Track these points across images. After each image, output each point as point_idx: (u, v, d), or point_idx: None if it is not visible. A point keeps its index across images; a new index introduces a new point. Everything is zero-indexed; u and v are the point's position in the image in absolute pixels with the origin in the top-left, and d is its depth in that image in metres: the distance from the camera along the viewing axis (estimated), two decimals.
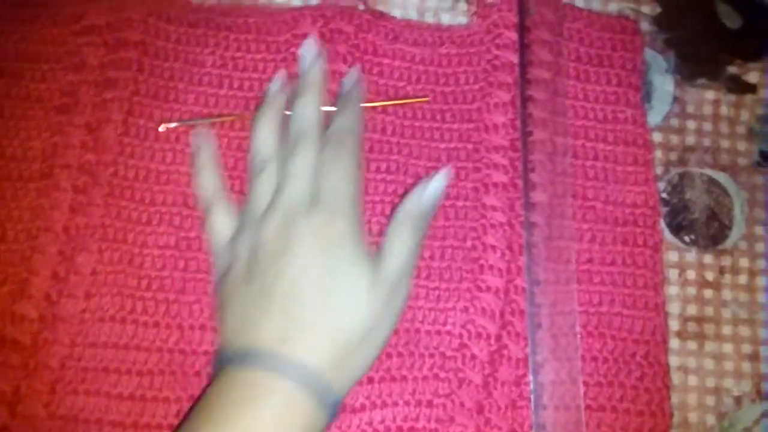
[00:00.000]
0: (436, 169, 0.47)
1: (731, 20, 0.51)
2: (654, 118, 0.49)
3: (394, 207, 0.46)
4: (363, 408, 0.43)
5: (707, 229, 0.48)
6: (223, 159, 0.46)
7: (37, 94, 0.47)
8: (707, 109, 0.49)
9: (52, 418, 0.42)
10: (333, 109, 0.44)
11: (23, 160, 0.46)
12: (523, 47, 0.48)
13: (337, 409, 0.37)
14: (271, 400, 0.34)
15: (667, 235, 0.47)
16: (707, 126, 0.49)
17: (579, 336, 0.45)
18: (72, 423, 0.43)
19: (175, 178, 0.46)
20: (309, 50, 0.45)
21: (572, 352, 0.45)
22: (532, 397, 0.44)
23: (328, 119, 0.43)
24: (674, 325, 0.46)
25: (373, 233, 0.46)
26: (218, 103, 0.47)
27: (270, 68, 0.48)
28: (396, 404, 0.44)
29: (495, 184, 0.47)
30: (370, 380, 0.44)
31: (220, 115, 0.47)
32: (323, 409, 0.36)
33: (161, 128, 0.46)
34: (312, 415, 0.35)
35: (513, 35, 0.48)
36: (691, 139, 0.49)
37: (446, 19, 0.51)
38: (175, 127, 0.47)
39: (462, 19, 0.50)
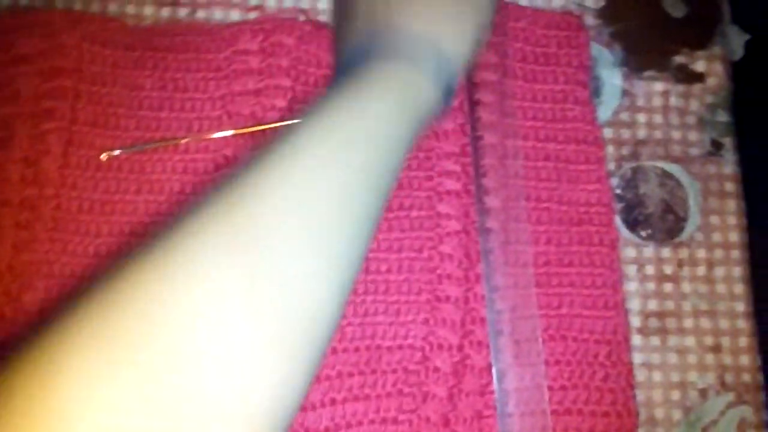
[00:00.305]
0: None
1: (676, 9, 0.51)
2: (604, 113, 0.49)
3: None
4: (327, 431, 0.43)
5: (663, 222, 0.47)
6: (168, 184, 0.45)
7: None
8: (657, 101, 0.49)
9: None
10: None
11: None
12: None
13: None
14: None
15: (624, 231, 0.47)
16: (658, 118, 0.49)
17: (541, 340, 0.45)
18: None
19: (121, 207, 0.45)
20: None
21: (535, 357, 0.44)
22: (497, 405, 0.43)
23: None
24: (636, 321, 0.46)
25: None
26: (160, 126, 0.46)
27: (211, 86, 0.47)
28: (360, 424, 0.43)
29: (448, 192, 0.46)
30: (333, 402, 0.43)
31: (164, 139, 0.46)
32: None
33: (103, 157, 0.45)
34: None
35: None
36: (642, 133, 0.49)
37: None
38: (118, 155, 0.45)
39: None
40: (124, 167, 0.45)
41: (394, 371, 0.44)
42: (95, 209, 0.45)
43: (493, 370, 0.44)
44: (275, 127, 0.45)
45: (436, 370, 0.44)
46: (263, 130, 0.45)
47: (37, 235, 0.44)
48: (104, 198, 0.45)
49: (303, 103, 0.47)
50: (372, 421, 0.43)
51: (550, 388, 0.44)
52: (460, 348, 0.44)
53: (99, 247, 0.44)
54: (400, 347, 0.44)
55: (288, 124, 0.30)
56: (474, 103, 0.47)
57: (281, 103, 0.46)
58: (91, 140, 0.46)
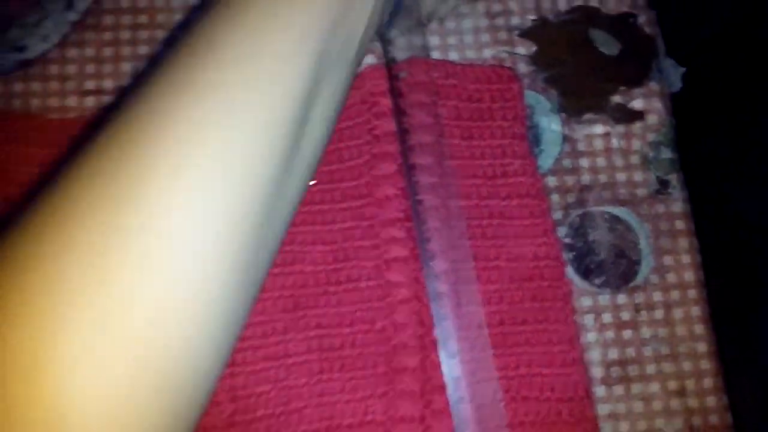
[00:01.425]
0: (334, 252, 0.46)
1: (609, 47, 0.50)
2: (545, 161, 0.48)
3: (296, 301, 0.45)
4: None
5: (616, 268, 0.47)
6: None
7: None
8: (598, 144, 0.49)
9: None
10: None
11: None
12: (400, 113, 0.46)
13: None
14: None
15: (577, 280, 0.46)
16: (601, 161, 0.48)
17: (503, 403, 0.44)
18: None
19: None
20: None
21: (498, 420, 0.44)
22: None
23: None
24: (597, 372, 0.45)
25: (277, 332, 0.44)
26: None
27: None
28: None
29: (395, 259, 0.45)
30: None
31: None
32: None
33: None
34: None
35: (387, 102, 0.47)
36: (586, 178, 0.48)
37: None
38: None
39: None
40: None
41: None
42: None
43: None
44: None
45: None
46: None
47: None
48: None
49: None
50: None
51: None
52: (422, 419, 0.43)
53: None
54: (361, 424, 0.43)
55: None
56: (411, 167, 0.46)
57: None
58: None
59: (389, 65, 0.47)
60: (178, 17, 0.49)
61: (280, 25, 0.27)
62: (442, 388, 0.44)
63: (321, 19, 0.28)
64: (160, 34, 0.48)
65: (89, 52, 0.48)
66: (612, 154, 0.48)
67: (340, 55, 0.29)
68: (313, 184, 0.46)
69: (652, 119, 0.49)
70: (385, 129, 0.47)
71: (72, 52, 0.48)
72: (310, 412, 0.43)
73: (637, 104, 0.49)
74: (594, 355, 0.46)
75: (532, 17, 0.50)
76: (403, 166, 0.46)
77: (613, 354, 0.46)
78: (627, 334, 0.46)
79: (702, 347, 0.46)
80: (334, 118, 0.31)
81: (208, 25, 0.27)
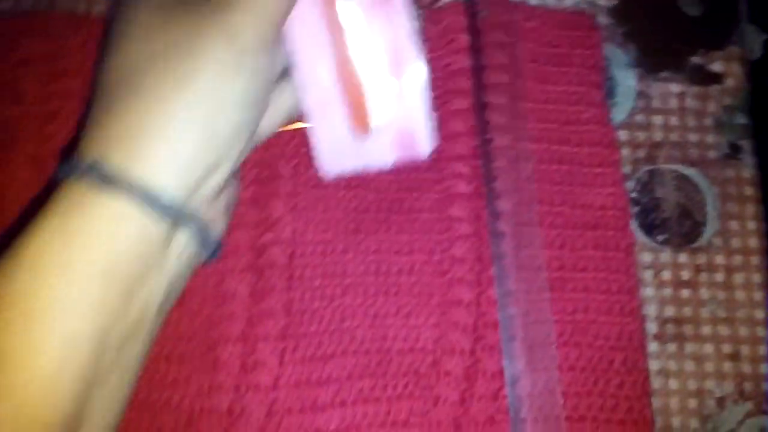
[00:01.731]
0: (398, 181, 0.46)
1: (692, 8, 0.50)
2: (619, 114, 0.48)
3: (358, 225, 0.45)
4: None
5: (680, 227, 0.46)
6: None
7: None
8: (673, 103, 0.48)
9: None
10: None
11: None
12: (477, 51, 0.46)
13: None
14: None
15: (640, 235, 0.46)
16: (674, 120, 0.48)
17: (555, 346, 0.44)
18: None
19: None
20: None
21: (549, 362, 0.43)
22: (510, 410, 0.42)
23: None
24: (652, 327, 0.45)
25: (337, 251, 0.44)
26: None
27: None
28: (370, 426, 0.42)
29: (459, 195, 0.45)
30: (343, 403, 0.42)
31: None
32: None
33: None
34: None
35: (466, 39, 0.47)
36: (658, 135, 0.48)
37: None
38: None
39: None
40: None
41: (405, 374, 0.43)
42: None
43: (506, 375, 0.43)
44: None
45: (447, 373, 0.43)
46: None
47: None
48: None
49: None
50: (382, 424, 0.42)
51: (564, 394, 0.43)
52: (472, 352, 0.43)
53: None
54: (411, 350, 0.43)
55: None
56: (483, 106, 0.46)
57: None
58: None
59: (469, 2, 0.47)
60: None
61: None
62: (495, 324, 0.44)
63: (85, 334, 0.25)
64: None
65: None
66: (686, 114, 0.48)
67: (127, 340, 0.26)
68: None
69: (729, 83, 0.48)
70: (461, 65, 0.47)
71: None
72: (362, 333, 0.43)
73: (716, 67, 0.49)
74: (650, 310, 0.45)
75: None
76: (475, 103, 0.46)
77: (669, 311, 0.45)
78: (685, 293, 0.46)
79: (760, 314, 0.45)
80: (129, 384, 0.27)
81: None
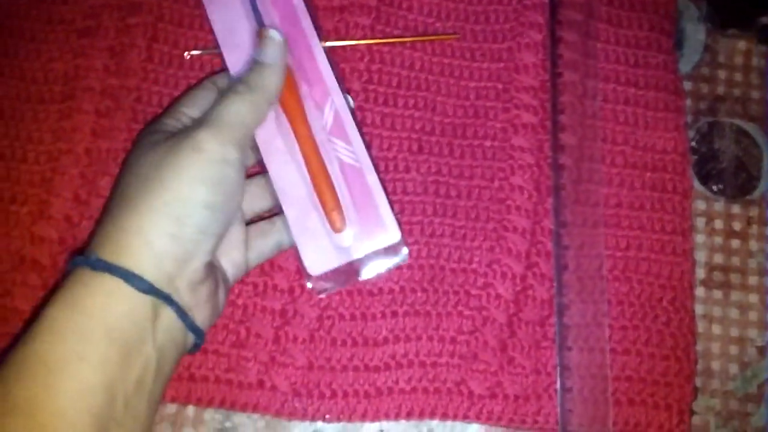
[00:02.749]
0: (464, 107, 0.46)
1: None
2: (684, 66, 0.48)
3: (421, 145, 0.45)
4: (386, 341, 0.43)
5: (735, 179, 0.47)
6: None
7: (59, 17, 0.46)
8: (738, 60, 0.49)
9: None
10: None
11: (44, 83, 0.45)
12: None
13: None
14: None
15: (695, 184, 0.47)
16: (738, 76, 0.49)
17: (605, 279, 0.44)
18: None
19: None
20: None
21: (598, 294, 0.44)
22: (556, 338, 0.43)
23: None
24: (700, 273, 0.46)
25: (399, 169, 0.45)
26: None
27: None
28: (419, 338, 0.43)
29: (524, 125, 0.46)
30: (394, 314, 0.43)
31: None
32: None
33: (186, 55, 0.45)
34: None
35: None
36: (721, 89, 0.48)
37: None
38: (200, 55, 0.46)
39: None
40: (205, 67, 0.46)
41: (456, 292, 0.44)
42: None
43: (555, 303, 0.44)
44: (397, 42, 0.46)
45: (498, 296, 0.44)
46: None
47: (116, 124, 0.44)
48: None
49: (386, 24, 0.47)
50: (430, 338, 0.43)
51: (611, 327, 0.44)
52: (524, 278, 0.44)
53: None
54: (464, 270, 0.44)
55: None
56: (556, 40, 0.46)
57: (365, 21, 0.46)
58: (175, 38, 0.46)
59: None
60: None
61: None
62: (548, 254, 0.45)
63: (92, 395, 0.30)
64: None
65: None
66: (750, 71, 0.49)
67: (132, 393, 0.32)
68: (455, 38, 0.47)
69: None
70: (537, 0, 0.47)
71: None
72: (417, 249, 0.44)
73: None
74: (699, 256, 0.46)
75: None
76: (547, 37, 0.47)
77: (718, 259, 0.46)
78: (735, 243, 0.46)
79: None
80: None
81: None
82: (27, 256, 0.42)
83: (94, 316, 0.31)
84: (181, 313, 0.34)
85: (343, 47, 0.46)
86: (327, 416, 0.42)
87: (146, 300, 0.32)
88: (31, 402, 0.29)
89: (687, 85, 0.48)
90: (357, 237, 0.40)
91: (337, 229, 0.39)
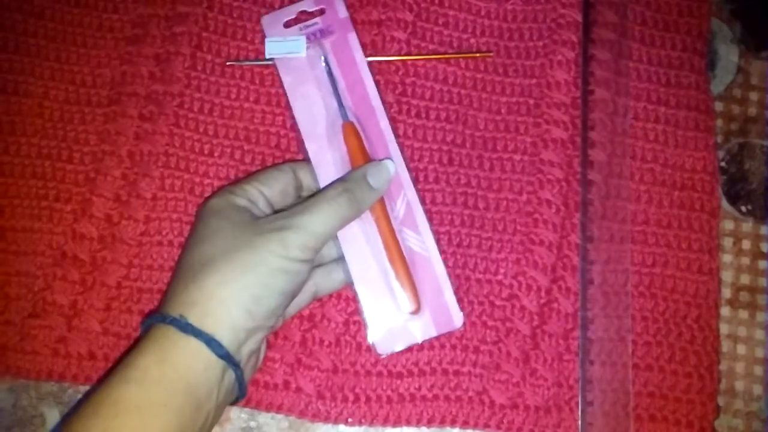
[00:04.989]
0: (495, 122, 0.47)
1: None
2: (716, 87, 0.49)
3: (451, 157, 0.46)
4: (410, 349, 0.43)
5: (765, 200, 0.47)
6: (284, 98, 0.46)
7: (109, 25, 0.48)
8: None
9: (106, 334, 0.43)
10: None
11: (92, 87, 0.47)
12: (588, 6, 0.48)
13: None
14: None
15: (724, 203, 0.47)
16: None
17: (630, 295, 0.45)
18: (125, 340, 0.44)
19: (239, 113, 0.47)
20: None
21: (623, 310, 0.45)
22: (579, 351, 0.44)
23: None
24: (726, 293, 0.46)
25: (429, 180, 0.46)
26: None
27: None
28: (443, 347, 0.44)
29: (554, 140, 0.47)
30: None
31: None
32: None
33: (228, 64, 0.47)
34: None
35: None
36: (753, 111, 0.49)
37: None
38: (241, 65, 0.47)
39: None
40: (246, 77, 0.47)
41: (481, 303, 0.45)
42: (215, 112, 0.47)
43: (579, 317, 0.44)
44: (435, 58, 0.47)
45: (522, 308, 0.44)
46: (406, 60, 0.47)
47: (159, 128, 0.46)
48: (225, 102, 0.47)
49: (422, 39, 0.48)
50: (454, 347, 0.44)
51: (635, 342, 0.44)
52: (549, 291, 0.45)
53: (214, 147, 0.46)
54: (489, 282, 0.45)
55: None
56: (589, 58, 0.47)
57: (401, 35, 0.48)
58: (218, 48, 0.48)
59: None
60: None
61: None
62: (574, 268, 0.45)
63: None
64: None
65: None
66: None
67: None
68: (490, 55, 0.48)
69: None
70: (570, 18, 0.48)
71: None
72: (444, 258, 0.45)
73: None
74: (726, 276, 0.46)
75: None
76: (580, 55, 0.48)
77: (745, 280, 0.46)
78: (762, 264, 0.46)
79: None
80: None
81: None
82: (68, 252, 0.44)
83: (179, 371, 0.34)
84: (240, 375, 0.37)
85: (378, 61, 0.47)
86: (349, 420, 0.43)
87: (219, 363, 0.35)
88: None
89: (718, 106, 0.49)
90: (424, 322, 0.42)
91: (414, 308, 0.42)
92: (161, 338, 0.35)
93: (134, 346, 0.36)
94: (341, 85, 0.44)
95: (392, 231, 0.42)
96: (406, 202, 0.43)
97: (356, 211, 0.40)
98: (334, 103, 0.44)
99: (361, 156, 0.43)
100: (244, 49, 0.48)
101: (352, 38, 0.45)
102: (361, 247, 0.42)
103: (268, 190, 0.41)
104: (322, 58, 0.45)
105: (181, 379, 0.34)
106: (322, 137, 0.43)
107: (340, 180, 0.41)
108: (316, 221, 0.38)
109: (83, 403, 0.34)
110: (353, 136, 0.43)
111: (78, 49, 0.48)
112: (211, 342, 0.35)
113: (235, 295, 0.36)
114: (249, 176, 0.42)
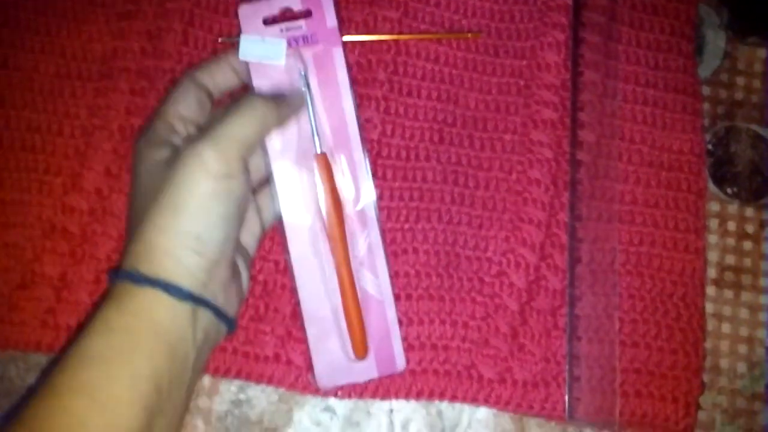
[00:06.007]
0: (486, 101, 0.48)
1: None
2: (704, 71, 0.49)
3: (442, 135, 0.47)
4: (399, 323, 0.43)
5: (750, 183, 0.48)
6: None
7: (101, 0, 0.48)
8: (757, 67, 0.50)
9: (95, 306, 0.43)
10: None
11: (83, 61, 0.47)
12: None
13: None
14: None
15: (710, 185, 0.48)
16: (756, 83, 0.50)
17: (618, 273, 0.45)
18: None
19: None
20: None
21: (610, 288, 0.45)
22: (567, 327, 0.44)
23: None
24: (712, 273, 0.47)
25: (420, 158, 0.46)
26: None
27: None
28: (432, 322, 0.44)
29: (544, 121, 0.47)
30: (408, 297, 0.44)
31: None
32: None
33: (220, 41, 0.47)
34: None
35: None
36: (739, 95, 0.49)
37: None
38: (233, 42, 0.47)
39: None
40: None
41: (470, 279, 0.45)
42: None
43: (567, 294, 0.45)
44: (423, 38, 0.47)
45: (511, 285, 0.45)
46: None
47: (150, 103, 0.46)
48: None
49: (414, 18, 0.48)
50: (443, 321, 0.44)
51: (621, 320, 0.45)
52: (537, 268, 0.45)
53: None
54: (479, 258, 0.45)
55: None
56: (579, 41, 0.48)
57: (393, 14, 0.48)
58: (210, 24, 0.48)
59: None
60: None
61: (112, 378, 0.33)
62: (562, 247, 0.46)
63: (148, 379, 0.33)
64: None
65: None
66: None
67: (173, 385, 0.35)
68: (479, 35, 0.48)
69: None
70: (561, 1, 0.49)
71: None
72: (434, 235, 0.45)
73: None
74: (711, 256, 0.47)
75: None
76: (570, 38, 0.48)
77: (730, 260, 0.47)
78: (747, 245, 0.47)
79: None
80: (178, 422, 0.36)
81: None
82: (58, 224, 0.44)
83: (142, 317, 0.34)
84: (217, 312, 0.37)
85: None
86: (339, 393, 0.43)
87: (185, 305, 0.35)
88: (93, 386, 0.32)
89: (706, 90, 0.49)
90: (368, 364, 0.42)
91: (360, 357, 0.42)
92: (120, 293, 0.35)
93: (96, 305, 0.36)
94: (319, 108, 0.42)
95: (350, 275, 0.41)
96: (368, 244, 0.42)
97: (275, 114, 0.38)
98: (308, 127, 0.41)
99: (332, 191, 0.41)
100: (236, 26, 0.48)
101: (338, 54, 0.42)
102: (315, 285, 0.41)
103: (183, 109, 0.39)
104: (302, 73, 0.42)
105: (144, 325, 0.34)
106: (291, 158, 0.41)
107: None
108: (231, 128, 0.36)
109: (53, 366, 0.34)
110: (327, 170, 0.41)
111: (69, 23, 0.47)
112: (168, 287, 0.34)
113: (175, 240, 0.35)
114: (158, 104, 0.40)
